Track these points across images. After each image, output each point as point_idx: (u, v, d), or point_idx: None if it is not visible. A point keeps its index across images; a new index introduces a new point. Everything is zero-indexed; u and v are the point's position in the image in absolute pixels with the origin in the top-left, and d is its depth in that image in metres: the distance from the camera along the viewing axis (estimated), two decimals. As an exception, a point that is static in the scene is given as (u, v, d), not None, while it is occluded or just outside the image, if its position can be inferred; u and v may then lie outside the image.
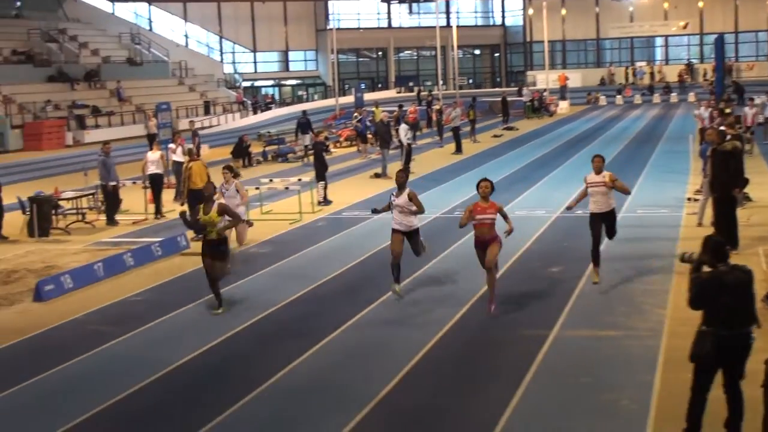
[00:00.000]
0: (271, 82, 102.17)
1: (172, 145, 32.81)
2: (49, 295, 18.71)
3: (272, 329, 16.05)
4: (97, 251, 23.22)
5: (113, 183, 27.90)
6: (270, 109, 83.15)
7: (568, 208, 19.07)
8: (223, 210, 17.27)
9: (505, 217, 16.39)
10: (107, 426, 11.84)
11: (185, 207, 22.72)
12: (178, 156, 30.49)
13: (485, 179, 16.58)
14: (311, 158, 35.35)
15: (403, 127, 38.73)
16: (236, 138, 45.62)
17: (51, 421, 11.85)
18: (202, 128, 66.57)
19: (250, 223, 23.49)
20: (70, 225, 27.27)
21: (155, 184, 28.91)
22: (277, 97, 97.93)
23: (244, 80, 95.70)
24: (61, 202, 27.69)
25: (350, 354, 14.42)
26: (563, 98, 78.49)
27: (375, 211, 18.79)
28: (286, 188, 29.94)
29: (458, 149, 45.16)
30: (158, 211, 28.76)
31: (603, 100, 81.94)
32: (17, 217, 26.71)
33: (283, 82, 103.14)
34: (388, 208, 17.62)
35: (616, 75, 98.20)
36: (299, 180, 29.91)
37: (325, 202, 29.53)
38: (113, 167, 28.13)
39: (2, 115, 58.77)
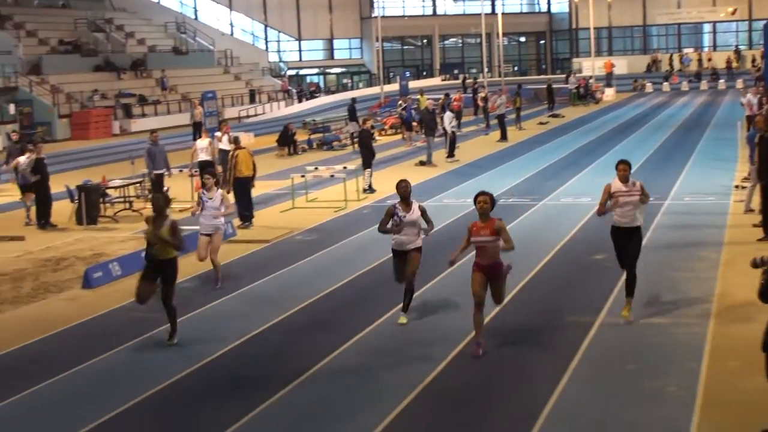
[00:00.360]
0: (315, 71, 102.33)
1: (218, 134, 32.91)
2: (97, 282, 18.92)
3: (309, 320, 16.09)
4: (143, 239, 23.34)
5: (157, 171, 28.16)
6: (315, 97, 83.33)
7: (600, 214, 15.47)
8: (175, 230, 14.71)
9: (506, 240, 13.63)
10: (153, 413, 12.00)
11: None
12: (224, 144, 30.61)
13: (483, 193, 13.83)
14: (357, 146, 35.49)
15: (448, 115, 38.88)
16: (281, 126, 45.75)
17: (99, 408, 11.99)
18: (248, 116, 66.95)
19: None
20: (117, 213, 27.54)
21: (205, 169, 29.14)
22: (322, 85, 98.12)
23: (289, 68, 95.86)
24: (108, 191, 28.03)
25: (391, 343, 14.46)
26: (609, 85, 78.16)
27: (385, 232, 15.48)
28: (332, 176, 30.08)
29: (503, 136, 45.14)
30: None
31: (649, 87, 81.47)
32: (66, 205, 27.01)
33: (327, 71, 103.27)
34: (397, 226, 15.06)
35: (662, 62, 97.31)
36: (344, 168, 29.99)
37: (370, 189, 29.57)
38: (158, 155, 28.39)
39: (50, 105, 59.28)
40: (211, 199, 18.40)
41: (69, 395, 12.76)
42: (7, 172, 28.29)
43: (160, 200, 15.31)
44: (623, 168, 15.08)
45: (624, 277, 15.23)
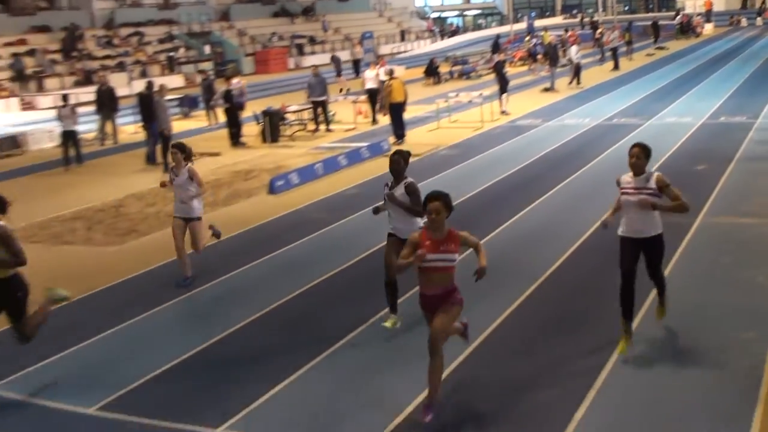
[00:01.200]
0: (455, 13, 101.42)
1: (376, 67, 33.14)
2: (279, 189, 19.34)
3: (460, 218, 16.19)
4: (316, 154, 23.76)
5: (314, 99, 28.54)
6: (455, 35, 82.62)
7: (605, 226, 9.63)
8: (4, 239, 9.09)
9: (476, 248, 8.30)
10: (329, 291, 12.28)
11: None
12: (381, 76, 30.76)
13: (435, 196, 8.11)
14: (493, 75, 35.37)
15: (574, 48, 38.48)
16: (428, 60, 45.84)
17: (285, 287, 12.35)
18: (399, 53, 66.75)
19: (215, 233, 13.68)
20: (294, 133, 27.99)
21: (372, 97, 29.54)
22: (460, 25, 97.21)
23: (432, 11, 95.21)
24: (286, 115, 28.44)
25: (525, 237, 14.50)
26: (708, 21, 75.41)
27: (376, 211, 11.00)
28: (470, 101, 29.95)
29: (616, 66, 44.28)
30: (374, 119, 29.60)
31: (744, 22, 78.31)
32: (253, 127, 27.59)
33: (465, 13, 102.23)
34: (383, 204, 10.70)
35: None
36: (481, 94, 29.76)
37: (504, 112, 29.49)
38: (317, 86, 28.51)
39: (237, 46, 60.10)
40: (178, 176, 12.97)
41: (263, 277, 13.18)
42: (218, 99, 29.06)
43: None
44: (636, 153, 9.25)
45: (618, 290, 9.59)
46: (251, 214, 17.30)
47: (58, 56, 49.72)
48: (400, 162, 10.34)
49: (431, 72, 43.89)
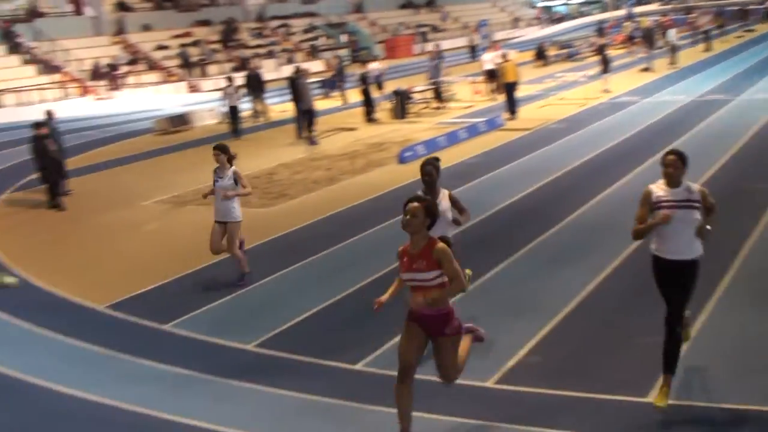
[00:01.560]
0: (561, 1, 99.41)
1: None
2: (407, 159, 19.28)
3: (566, 185, 15.96)
4: (439, 128, 23.60)
5: (433, 80, 28.47)
6: (561, 22, 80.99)
7: (638, 236, 7.02)
8: None
9: (450, 277, 6.34)
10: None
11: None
12: (497, 58, 30.45)
13: (416, 198, 6.66)
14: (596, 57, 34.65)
15: (672, 31, 37.57)
16: (537, 44, 45.14)
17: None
18: (512, 38, 65.75)
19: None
20: (420, 110, 27.90)
21: (490, 76, 29.25)
22: (565, 12, 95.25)
23: (540, 1, 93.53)
24: (413, 94, 28.35)
25: (627, 201, 14.13)
26: (792, 5, 71.99)
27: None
28: (575, 81, 29.37)
29: (708, 47, 42.72)
30: (493, 95, 29.27)
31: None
32: (384, 105, 27.63)
33: (569, 1, 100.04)
34: None
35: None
36: (585, 74, 29.16)
37: (606, 90, 28.79)
38: (433, 69, 28.58)
39: (369, 34, 60.18)
40: (222, 178, 11.14)
41: (392, 236, 13.15)
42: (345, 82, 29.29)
43: None
44: (672, 161, 6.85)
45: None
46: (384, 181, 17.29)
47: (217, 46, 50.66)
48: (432, 173, 8.82)
49: (540, 55, 43.16)
